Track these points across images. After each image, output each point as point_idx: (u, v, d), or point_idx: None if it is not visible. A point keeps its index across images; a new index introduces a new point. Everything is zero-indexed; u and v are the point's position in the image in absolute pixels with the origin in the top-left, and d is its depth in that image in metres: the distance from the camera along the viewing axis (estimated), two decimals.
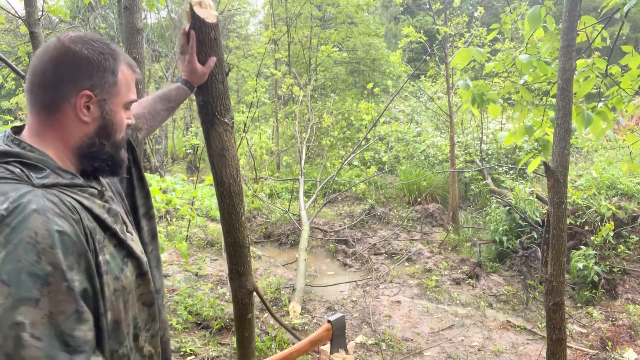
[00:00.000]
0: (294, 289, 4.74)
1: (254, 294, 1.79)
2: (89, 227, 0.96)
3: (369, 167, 9.23)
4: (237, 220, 1.67)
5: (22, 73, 2.70)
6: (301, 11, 11.01)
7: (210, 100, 1.57)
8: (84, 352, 0.88)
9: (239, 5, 12.61)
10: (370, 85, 10.61)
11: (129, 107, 1.13)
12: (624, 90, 2.64)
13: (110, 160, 1.10)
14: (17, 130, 1.07)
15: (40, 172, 0.95)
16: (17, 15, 4.19)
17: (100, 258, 0.97)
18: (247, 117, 7.74)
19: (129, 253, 1.08)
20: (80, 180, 1.03)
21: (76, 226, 0.92)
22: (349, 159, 7.70)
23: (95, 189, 1.06)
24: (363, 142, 8.96)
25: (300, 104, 9.30)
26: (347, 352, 1.56)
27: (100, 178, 1.15)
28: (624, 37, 2.69)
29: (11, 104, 12.13)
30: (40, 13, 3.54)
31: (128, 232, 1.13)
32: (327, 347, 1.57)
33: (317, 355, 1.63)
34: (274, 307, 4.51)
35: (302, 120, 9.49)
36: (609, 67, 2.62)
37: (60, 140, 1.03)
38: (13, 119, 10.31)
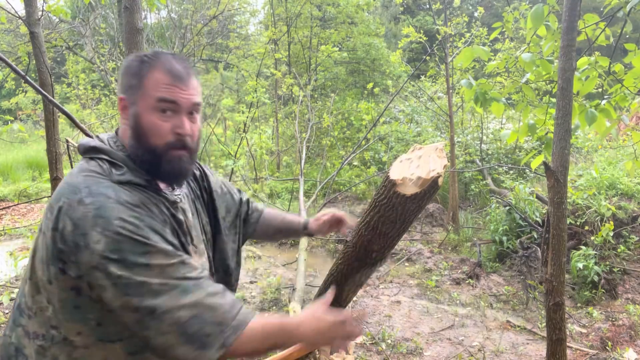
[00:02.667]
0: (293, 289, 4.73)
1: None
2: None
3: (369, 167, 9.21)
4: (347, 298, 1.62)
5: (22, 73, 2.68)
6: (301, 11, 10.99)
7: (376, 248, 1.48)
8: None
9: (239, 5, 12.57)
10: (370, 85, 10.60)
11: (164, 109, 1.09)
12: (627, 88, 2.64)
13: (150, 166, 1.11)
14: None
15: (119, 169, 1.08)
16: (17, 15, 4.18)
17: None
18: (247, 117, 7.72)
19: None
20: (151, 185, 1.11)
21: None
22: (349, 159, 7.68)
23: (165, 196, 1.13)
24: (363, 142, 8.95)
25: (300, 104, 9.28)
26: (347, 352, 1.56)
27: (180, 189, 1.22)
28: (627, 37, 2.69)
29: (11, 104, 12.07)
30: (40, 13, 3.54)
31: (193, 244, 1.18)
32: (327, 347, 1.56)
33: (317, 355, 1.62)
34: (274, 307, 4.51)
35: (302, 120, 9.47)
36: (611, 65, 2.61)
37: (127, 140, 1.14)
38: (13, 118, 10.28)
